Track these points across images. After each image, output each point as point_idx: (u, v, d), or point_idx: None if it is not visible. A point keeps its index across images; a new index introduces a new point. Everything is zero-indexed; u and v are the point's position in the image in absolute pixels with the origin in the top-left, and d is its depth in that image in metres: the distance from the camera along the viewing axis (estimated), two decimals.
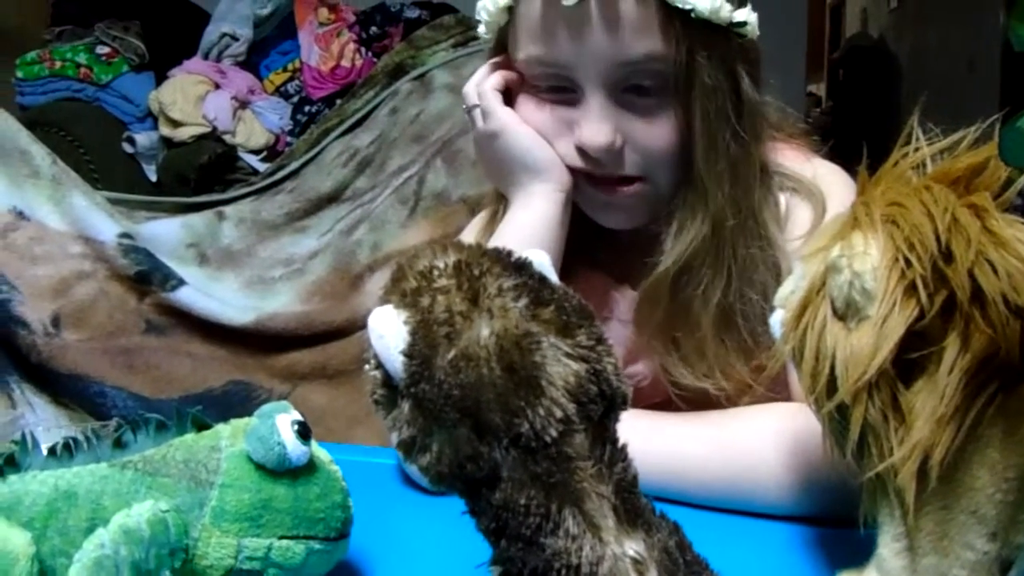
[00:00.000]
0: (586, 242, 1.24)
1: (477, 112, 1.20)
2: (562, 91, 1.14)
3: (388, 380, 0.65)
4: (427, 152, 2.90)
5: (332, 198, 2.98)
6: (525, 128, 1.17)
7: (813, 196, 1.18)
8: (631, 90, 1.11)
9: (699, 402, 1.15)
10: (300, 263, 2.84)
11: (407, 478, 1.15)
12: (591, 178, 1.17)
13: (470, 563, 0.68)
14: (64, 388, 2.53)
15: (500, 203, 1.24)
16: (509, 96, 1.20)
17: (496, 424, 0.61)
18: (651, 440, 1.05)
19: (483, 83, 1.19)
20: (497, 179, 1.24)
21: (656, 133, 1.12)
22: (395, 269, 0.68)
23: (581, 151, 1.14)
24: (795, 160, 1.23)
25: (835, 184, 1.19)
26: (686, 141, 1.12)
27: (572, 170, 1.17)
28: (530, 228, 1.16)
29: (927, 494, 0.72)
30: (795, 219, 1.18)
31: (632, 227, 1.21)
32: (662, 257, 1.15)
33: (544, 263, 0.69)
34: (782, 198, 1.20)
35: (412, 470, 1.13)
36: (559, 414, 0.61)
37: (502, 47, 1.20)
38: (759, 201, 1.17)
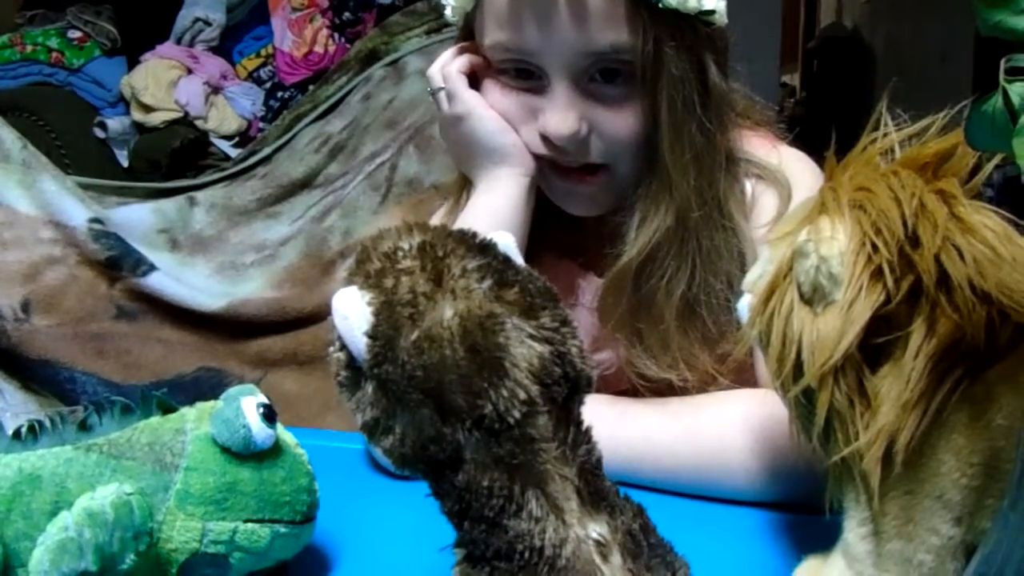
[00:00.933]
0: (551, 228, 1.23)
1: (442, 95, 1.19)
2: (528, 77, 1.13)
3: (352, 362, 0.64)
4: (400, 138, 2.89)
5: (304, 184, 2.97)
6: (490, 112, 1.16)
7: (779, 183, 1.17)
8: (597, 79, 1.10)
9: (664, 391, 1.15)
10: (272, 249, 2.82)
11: (374, 462, 1.14)
12: (555, 166, 1.16)
13: (436, 546, 0.68)
14: (34, 374, 2.52)
15: (465, 189, 1.24)
16: (475, 81, 1.19)
17: (459, 405, 0.61)
18: (619, 427, 1.05)
19: (449, 65, 1.19)
20: (461, 162, 1.24)
21: (621, 122, 1.11)
22: (359, 250, 0.67)
23: (545, 139, 1.13)
24: (761, 147, 1.22)
25: (801, 171, 1.19)
26: (651, 130, 1.11)
27: (537, 157, 1.16)
28: (494, 212, 1.15)
29: (892, 479, 0.72)
30: (761, 206, 1.18)
31: (596, 215, 1.20)
32: (625, 248, 1.14)
33: (509, 245, 0.69)
34: (748, 185, 1.19)
35: (378, 452, 1.12)
36: (522, 396, 0.61)
37: (469, 32, 1.19)
38: (725, 190, 1.16)
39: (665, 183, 1.12)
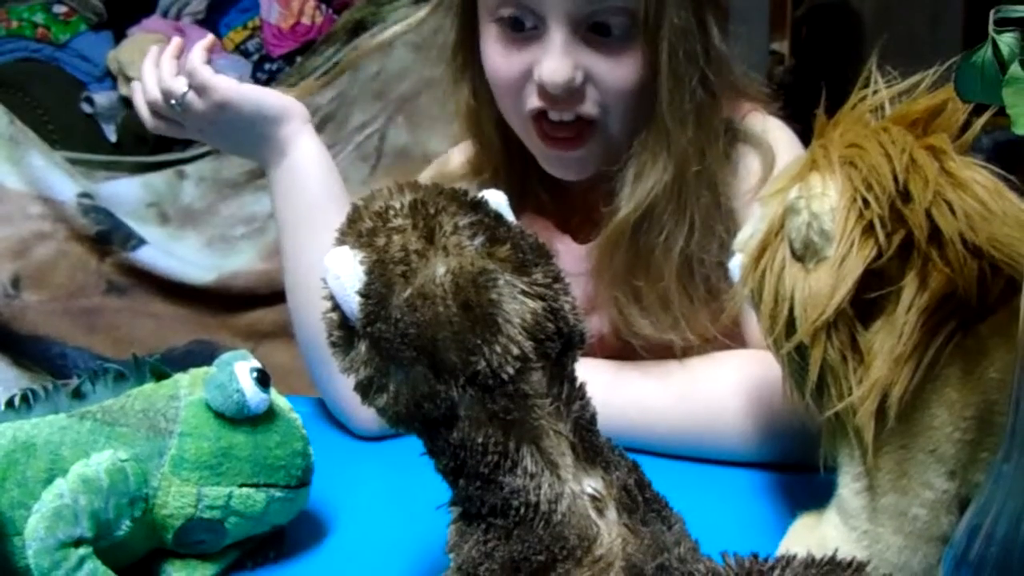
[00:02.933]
0: (534, 194, 1.22)
1: (191, 96, 1.16)
2: (524, 28, 1.11)
3: (344, 321, 0.64)
4: (388, 109, 2.88)
5: None
6: (245, 86, 1.15)
7: (763, 150, 1.17)
8: (596, 28, 1.08)
9: (655, 354, 1.14)
10: (261, 222, 2.81)
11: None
12: (544, 136, 1.15)
13: (431, 505, 0.68)
14: (25, 350, 2.51)
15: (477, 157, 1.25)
16: (475, 37, 1.17)
17: (453, 362, 0.61)
18: (612, 392, 1.05)
19: (185, 64, 1.16)
20: (246, 149, 1.22)
21: (620, 71, 1.09)
22: (351, 210, 0.67)
23: (540, 89, 1.11)
24: (740, 112, 1.22)
25: (782, 139, 1.19)
26: (649, 84, 1.09)
27: (535, 122, 1.14)
28: (313, 163, 1.16)
29: (886, 433, 0.72)
30: (744, 171, 1.17)
31: (582, 178, 1.19)
32: (621, 204, 1.12)
33: (501, 202, 0.68)
34: (732, 152, 1.18)
35: (356, 418, 1.12)
36: (516, 352, 0.61)
37: None
38: (721, 154, 1.15)
39: (663, 136, 1.10)
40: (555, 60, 1.07)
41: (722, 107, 1.14)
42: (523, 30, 1.10)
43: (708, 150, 1.12)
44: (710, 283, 1.13)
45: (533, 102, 1.12)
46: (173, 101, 1.17)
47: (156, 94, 1.19)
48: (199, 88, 1.15)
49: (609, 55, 1.09)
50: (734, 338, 1.13)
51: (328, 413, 1.17)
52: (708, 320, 1.14)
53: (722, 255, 1.10)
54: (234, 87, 1.15)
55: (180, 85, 1.16)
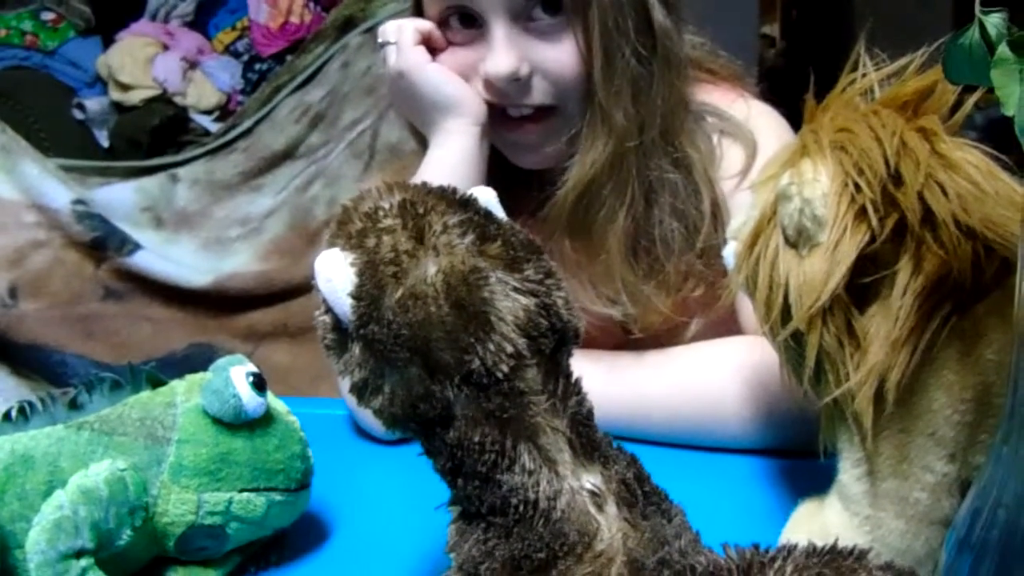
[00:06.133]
0: (499, 185, 1.23)
1: (391, 49, 1.18)
2: (471, 26, 1.13)
3: (337, 324, 0.64)
4: (380, 105, 2.88)
5: (286, 155, 2.96)
6: (434, 65, 1.15)
7: (743, 135, 1.17)
8: (536, 15, 1.10)
9: (650, 344, 1.14)
10: (256, 222, 2.82)
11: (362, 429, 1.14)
12: (505, 119, 1.16)
13: (431, 506, 0.68)
14: (24, 358, 2.52)
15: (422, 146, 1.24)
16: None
17: (447, 362, 0.60)
18: (609, 383, 1.05)
19: (404, 22, 1.17)
20: (411, 117, 1.23)
21: (563, 57, 1.11)
22: (341, 212, 0.67)
23: (490, 86, 1.13)
24: (725, 99, 1.22)
25: (767, 125, 1.19)
26: (590, 65, 1.11)
27: (499, 115, 1.16)
28: (449, 165, 1.14)
29: (885, 418, 0.72)
30: (728, 159, 1.18)
31: (548, 166, 1.19)
32: (564, 183, 1.13)
33: (490, 200, 0.68)
34: (714, 138, 1.19)
35: (361, 416, 1.12)
36: (510, 349, 0.61)
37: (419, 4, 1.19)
38: (687, 134, 1.16)
39: (599, 114, 1.11)
40: (498, 54, 1.10)
41: (676, 86, 1.14)
42: (469, 27, 1.13)
43: (648, 121, 1.12)
44: (653, 257, 1.15)
45: (487, 97, 1.14)
46: (380, 40, 1.19)
47: (383, 26, 1.20)
48: (399, 47, 1.16)
49: (550, 40, 1.11)
50: (728, 324, 1.13)
51: (327, 414, 1.17)
52: (661, 296, 1.15)
53: (693, 236, 1.14)
54: (419, 63, 1.15)
55: (388, 35, 1.18)
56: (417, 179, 1.13)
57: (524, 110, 1.14)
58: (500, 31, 1.09)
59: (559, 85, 1.12)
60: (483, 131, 1.16)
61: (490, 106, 1.15)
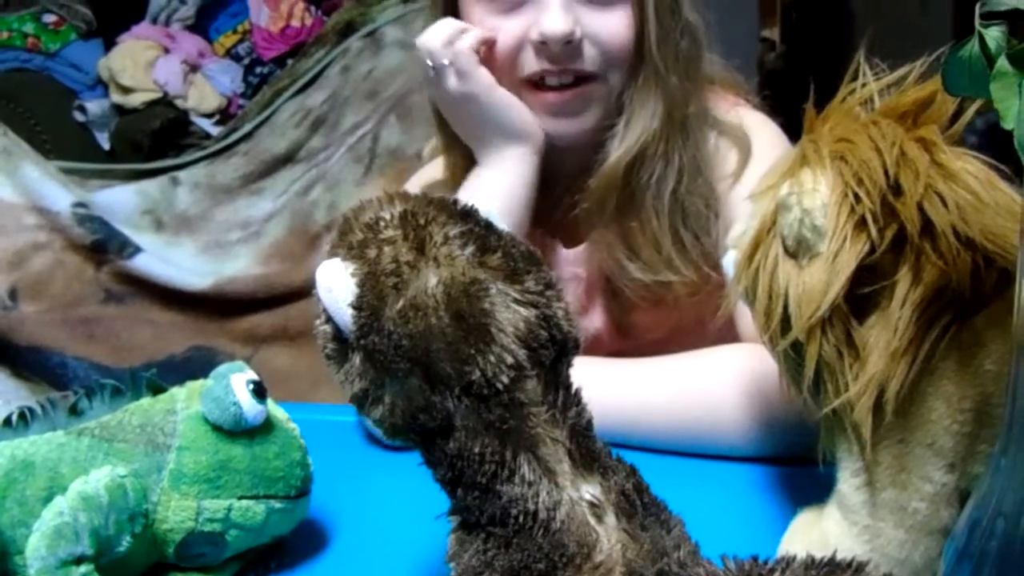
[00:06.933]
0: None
1: (449, 71, 1.17)
2: None
3: (338, 334, 0.64)
4: (380, 109, 2.88)
5: (287, 159, 2.96)
6: (502, 91, 1.17)
7: (739, 139, 1.20)
8: None
9: (651, 352, 1.15)
10: (257, 226, 2.82)
11: (368, 434, 1.14)
12: (543, 89, 1.18)
13: (431, 515, 0.68)
14: (24, 361, 2.51)
15: (455, 155, 1.24)
16: (456, 8, 1.21)
17: (447, 373, 0.61)
18: (609, 389, 1.05)
19: (457, 41, 1.17)
20: (468, 137, 1.23)
21: (614, 25, 1.14)
22: (342, 222, 0.67)
23: (539, 50, 1.15)
24: (722, 105, 1.25)
25: (762, 132, 1.22)
26: (640, 38, 1.15)
27: (530, 86, 1.18)
28: (504, 188, 1.17)
29: (884, 428, 0.72)
30: (721, 159, 1.22)
31: (582, 140, 1.21)
32: (612, 150, 1.17)
33: (491, 211, 0.68)
34: (711, 137, 1.22)
35: (370, 423, 1.12)
36: (510, 360, 0.61)
37: None
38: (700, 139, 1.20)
39: (652, 81, 1.15)
40: (555, 13, 1.12)
41: (703, 75, 1.21)
42: None
43: (693, 97, 1.18)
44: (698, 226, 1.19)
45: (531, 66, 1.16)
46: (430, 62, 1.18)
47: (428, 42, 1.19)
48: (459, 71, 1.16)
49: (602, 9, 1.14)
50: (728, 331, 1.13)
51: (327, 420, 1.17)
52: (693, 270, 1.19)
53: (703, 225, 1.19)
54: (490, 86, 1.17)
55: (441, 56, 1.17)
56: (465, 194, 1.14)
57: (565, 78, 1.17)
58: None
59: (607, 53, 1.15)
60: (539, 160, 1.19)
61: (528, 83, 1.18)
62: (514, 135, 1.17)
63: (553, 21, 1.11)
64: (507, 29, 1.16)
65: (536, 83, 1.18)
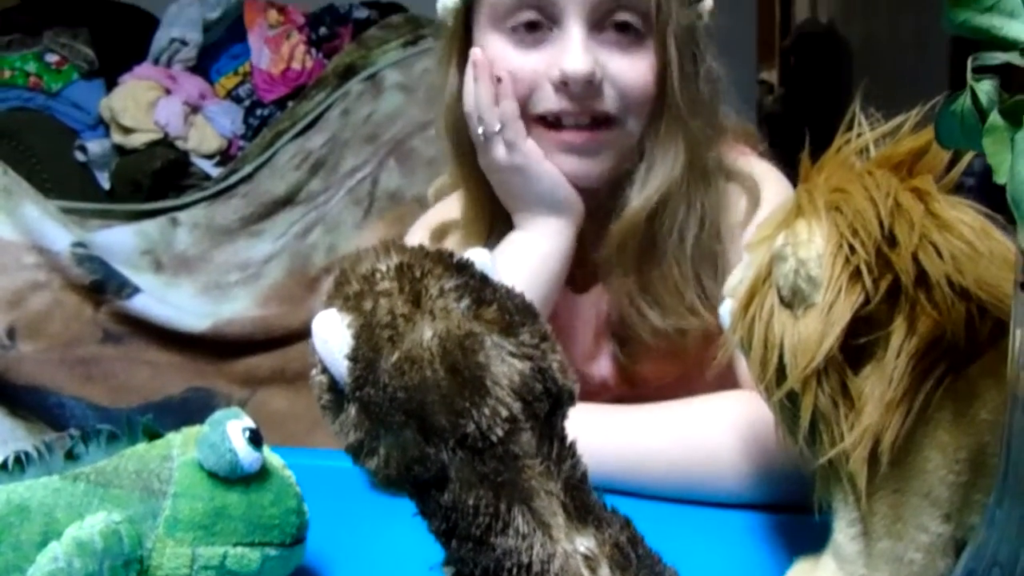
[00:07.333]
0: None
1: (497, 140, 1.17)
2: (535, 29, 1.15)
3: (334, 384, 0.64)
4: (380, 152, 2.90)
5: (286, 201, 2.97)
6: (548, 165, 1.17)
7: (749, 188, 1.20)
8: (611, 27, 1.13)
9: (658, 399, 1.15)
10: (256, 267, 2.82)
11: (365, 480, 1.14)
12: (558, 129, 1.18)
13: (426, 564, 0.68)
14: (21, 400, 2.51)
15: (485, 211, 1.25)
16: (469, 36, 1.20)
17: (442, 425, 0.61)
18: (607, 435, 1.05)
19: (505, 108, 1.16)
20: (509, 202, 1.23)
21: (636, 69, 1.14)
22: (338, 273, 0.68)
23: (559, 89, 1.14)
24: (732, 153, 1.26)
25: (768, 181, 1.23)
26: (661, 83, 1.15)
27: (547, 126, 1.17)
28: (540, 255, 1.18)
29: (879, 478, 0.72)
30: (730, 206, 1.22)
31: (595, 184, 1.21)
32: (632, 197, 1.17)
33: (486, 263, 0.69)
34: (722, 183, 1.22)
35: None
36: (505, 413, 0.61)
37: (465, 22, 1.20)
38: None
39: (674, 128, 1.15)
40: (576, 53, 1.11)
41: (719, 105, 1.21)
42: (537, 31, 1.15)
43: (713, 141, 1.19)
44: (719, 270, 1.18)
45: (548, 104, 1.15)
46: (481, 129, 1.18)
47: (472, 104, 1.19)
48: (508, 142, 1.17)
49: (623, 52, 1.14)
50: (726, 378, 1.13)
51: (323, 466, 1.17)
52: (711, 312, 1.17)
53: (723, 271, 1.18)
54: (539, 160, 1.17)
55: (494, 123, 1.17)
56: (502, 255, 1.15)
57: (582, 119, 1.16)
58: (578, 32, 1.12)
59: (627, 97, 1.15)
60: (576, 232, 1.19)
61: (543, 121, 1.17)
62: (555, 207, 1.18)
63: (575, 61, 1.11)
64: (525, 64, 1.16)
65: (551, 122, 1.17)
